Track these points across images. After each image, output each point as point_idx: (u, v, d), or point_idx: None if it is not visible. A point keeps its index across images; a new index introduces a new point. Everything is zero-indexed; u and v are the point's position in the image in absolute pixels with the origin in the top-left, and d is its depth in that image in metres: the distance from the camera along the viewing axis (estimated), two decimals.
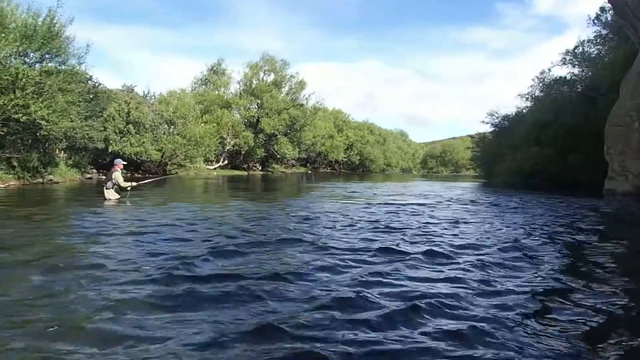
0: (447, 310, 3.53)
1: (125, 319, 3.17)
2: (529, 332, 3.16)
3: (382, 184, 29.78)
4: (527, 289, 4.20)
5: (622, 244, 7.07)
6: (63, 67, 20.35)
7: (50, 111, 18.33)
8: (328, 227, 8.00)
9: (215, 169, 43.55)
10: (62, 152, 24.54)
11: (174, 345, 2.77)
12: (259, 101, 52.01)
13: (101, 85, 28.17)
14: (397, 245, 6.24)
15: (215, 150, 41.15)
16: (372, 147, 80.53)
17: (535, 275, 4.83)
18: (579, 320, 3.44)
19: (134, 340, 2.81)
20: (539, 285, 4.41)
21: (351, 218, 9.36)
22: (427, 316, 3.38)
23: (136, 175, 28.21)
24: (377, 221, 8.84)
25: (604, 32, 28.95)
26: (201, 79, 56.05)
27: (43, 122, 18.23)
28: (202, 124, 39.77)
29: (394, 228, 7.97)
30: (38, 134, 19.55)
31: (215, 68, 56.12)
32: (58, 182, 20.18)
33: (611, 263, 5.60)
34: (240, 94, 54.11)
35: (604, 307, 3.74)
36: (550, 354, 2.81)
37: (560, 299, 3.94)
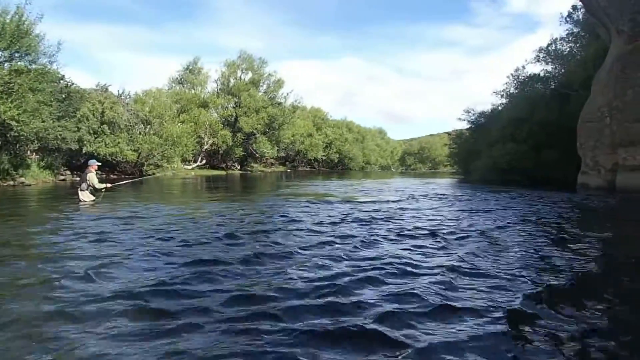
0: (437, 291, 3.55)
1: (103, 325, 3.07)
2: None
3: (360, 181, 29.88)
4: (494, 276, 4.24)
5: (592, 234, 7.23)
6: (33, 66, 19.91)
7: (21, 111, 17.87)
8: (306, 223, 7.96)
9: (193, 168, 43.07)
10: (34, 153, 23.93)
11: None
12: (237, 100, 51.67)
13: (74, 85, 27.46)
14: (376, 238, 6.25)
15: (192, 150, 40.74)
16: (351, 145, 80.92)
17: (507, 262, 4.88)
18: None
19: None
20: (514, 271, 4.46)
21: (329, 215, 9.34)
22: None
23: (112, 176, 27.63)
24: (356, 217, 8.84)
25: (575, 30, 29.61)
26: (177, 79, 55.37)
27: (13, 123, 17.76)
28: (179, 124, 39.33)
29: (368, 222, 7.99)
30: (8, 135, 19.00)
31: (191, 67, 55.48)
32: (30, 185, 19.62)
33: (580, 250, 5.71)
34: (218, 93, 53.68)
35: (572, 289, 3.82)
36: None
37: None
